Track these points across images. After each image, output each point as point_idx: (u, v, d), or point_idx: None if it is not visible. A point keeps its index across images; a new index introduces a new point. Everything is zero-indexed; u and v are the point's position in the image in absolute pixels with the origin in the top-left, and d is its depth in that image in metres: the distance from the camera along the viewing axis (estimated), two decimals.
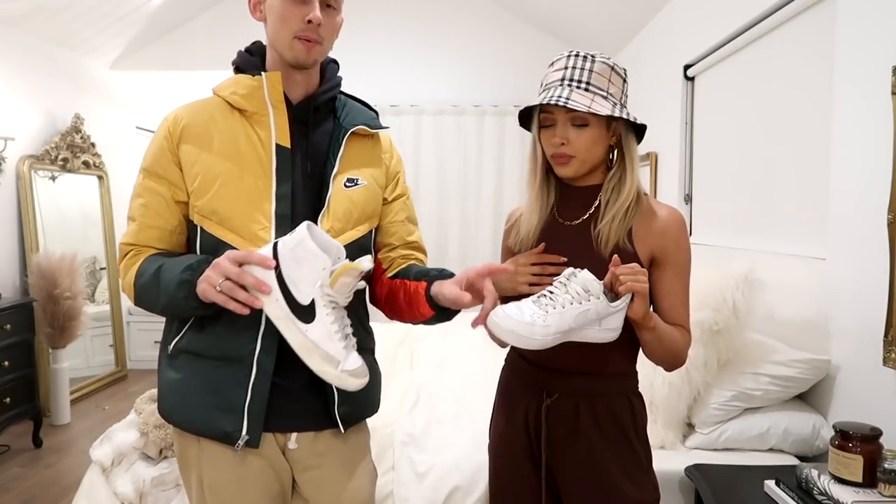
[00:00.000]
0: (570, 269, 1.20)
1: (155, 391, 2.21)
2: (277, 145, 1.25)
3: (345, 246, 1.20)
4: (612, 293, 1.19)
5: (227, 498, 1.25)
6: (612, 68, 1.29)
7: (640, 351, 1.34)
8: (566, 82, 1.27)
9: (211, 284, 1.11)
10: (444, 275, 1.26)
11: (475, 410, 2.14)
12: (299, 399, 1.25)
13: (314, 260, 1.11)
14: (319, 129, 1.32)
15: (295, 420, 1.27)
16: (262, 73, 1.26)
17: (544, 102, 1.25)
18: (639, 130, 1.33)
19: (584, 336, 1.20)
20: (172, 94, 6.02)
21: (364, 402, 1.33)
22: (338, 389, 1.25)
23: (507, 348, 1.50)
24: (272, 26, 1.25)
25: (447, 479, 1.82)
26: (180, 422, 1.28)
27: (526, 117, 1.37)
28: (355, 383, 1.14)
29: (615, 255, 1.20)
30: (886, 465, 1.37)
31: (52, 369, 3.96)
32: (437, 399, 2.30)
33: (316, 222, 1.24)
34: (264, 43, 1.34)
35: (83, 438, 3.68)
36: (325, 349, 1.12)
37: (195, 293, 1.14)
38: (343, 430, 1.29)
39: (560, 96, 1.24)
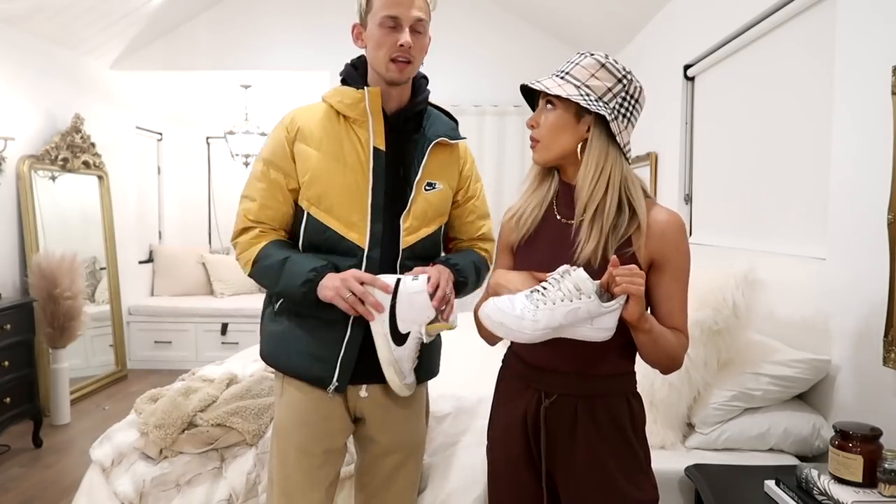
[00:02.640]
0: (565, 266, 1.21)
1: (154, 391, 2.21)
2: (375, 148, 1.49)
3: (422, 240, 1.53)
4: (608, 293, 1.19)
5: (290, 436, 1.53)
6: (604, 65, 1.29)
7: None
8: (553, 73, 1.33)
9: (339, 294, 1.40)
10: (441, 262, 1.55)
11: (473, 410, 2.14)
12: (372, 359, 1.47)
13: (424, 310, 1.42)
14: (408, 137, 1.55)
15: (367, 375, 1.51)
16: (366, 87, 1.50)
17: (521, 85, 1.35)
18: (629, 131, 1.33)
19: (575, 333, 1.20)
20: (172, 94, 6.04)
21: (432, 366, 1.62)
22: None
23: (505, 349, 1.50)
24: (371, 51, 1.49)
25: (445, 480, 1.82)
26: (278, 365, 1.56)
27: None
28: (407, 392, 1.50)
29: (614, 256, 1.20)
30: (886, 465, 1.37)
31: (52, 369, 3.96)
32: (436, 398, 2.30)
33: (399, 218, 1.51)
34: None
35: (83, 438, 3.68)
36: (400, 366, 1.46)
37: (315, 291, 1.43)
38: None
39: (534, 80, 1.32)
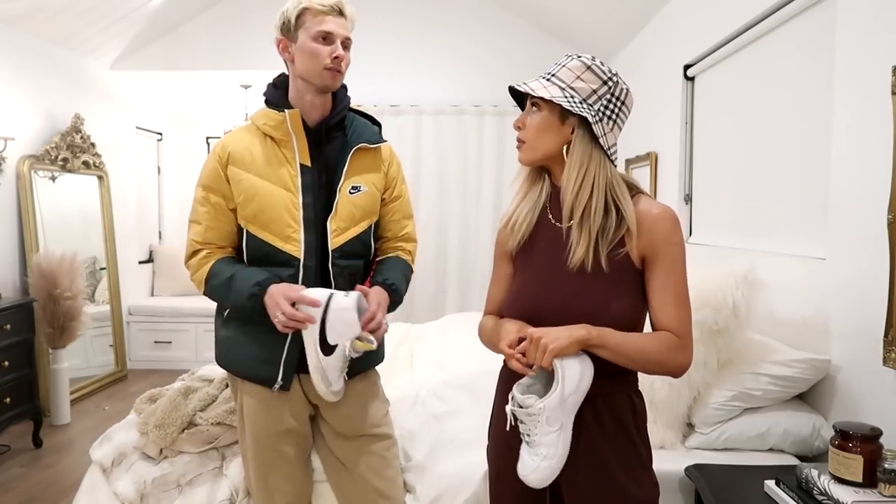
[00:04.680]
0: (508, 406, 1.27)
1: (154, 391, 2.22)
2: (301, 164, 1.64)
3: (350, 240, 1.66)
4: (543, 369, 1.24)
5: (257, 419, 1.68)
6: (590, 67, 1.30)
7: None
8: (540, 74, 1.34)
9: (273, 315, 1.53)
10: (379, 283, 1.68)
11: (467, 411, 2.14)
12: None
13: (351, 327, 1.51)
14: (332, 146, 1.68)
15: None
16: (286, 110, 1.62)
17: (509, 87, 1.36)
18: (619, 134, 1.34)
19: (579, 402, 1.26)
20: (172, 94, 6.03)
21: (364, 359, 1.68)
22: None
23: None
24: (304, 62, 1.61)
25: (436, 480, 1.82)
26: (230, 368, 1.72)
27: None
28: (333, 398, 1.61)
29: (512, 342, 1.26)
30: (886, 465, 1.37)
31: (52, 369, 3.96)
32: (435, 397, 2.30)
33: (326, 222, 1.63)
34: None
35: (83, 438, 3.68)
36: (326, 374, 1.56)
37: (261, 304, 1.56)
38: (348, 379, 1.65)
39: (521, 82, 1.33)
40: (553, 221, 1.37)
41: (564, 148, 1.32)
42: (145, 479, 1.87)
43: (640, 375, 1.41)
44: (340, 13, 1.61)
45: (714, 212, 3.10)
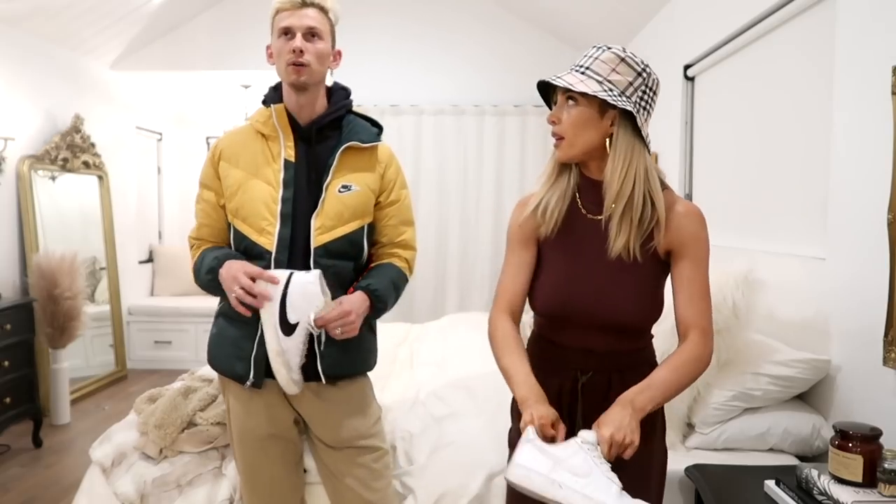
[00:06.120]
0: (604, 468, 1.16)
1: (154, 391, 2.22)
2: (285, 159, 1.63)
3: (336, 239, 1.62)
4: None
5: (241, 422, 1.67)
6: (623, 60, 1.29)
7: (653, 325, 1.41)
8: (571, 67, 1.32)
9: (229, 288, 1.52)
10: (362, 288, 1.63)
11: (468, 411, 2.14)
12: None
13: (315, 299, 1.50)
14: (325, 145, 1.66)
15: None
16: (272, 105, 1.64)
17: (538, 81, 1.35)
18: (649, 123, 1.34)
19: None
20: (172, 94, 6.03)
21: (348, 363, 1.67)
22: (320, 351, 1.60)
23: (527, 336, 1.49)
24: (276, 62, 1.63)
25: (439, 480, 1.82)
26: (214, 365, 1.71)
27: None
28: (294, 389, 1.56)
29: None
30: (886, 465, 1.37)
31: (52, 369, 3.96)
32: (436, 398, 2.30)
33: (311, 219, 1.61)
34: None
35: (83, 438, 3.68)
36: (287, 358, 1.52)
37: (218, 280, 1.57)
38: (325, 383, 1.62)
39: (554, 76, 1.31)
40: (585, 213, 1.37)
41: (606, 141, 1.31)
42: (145, 479, 1.87)
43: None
44: (303, 4, 1.59)
45: (714, 212, 3.09)
